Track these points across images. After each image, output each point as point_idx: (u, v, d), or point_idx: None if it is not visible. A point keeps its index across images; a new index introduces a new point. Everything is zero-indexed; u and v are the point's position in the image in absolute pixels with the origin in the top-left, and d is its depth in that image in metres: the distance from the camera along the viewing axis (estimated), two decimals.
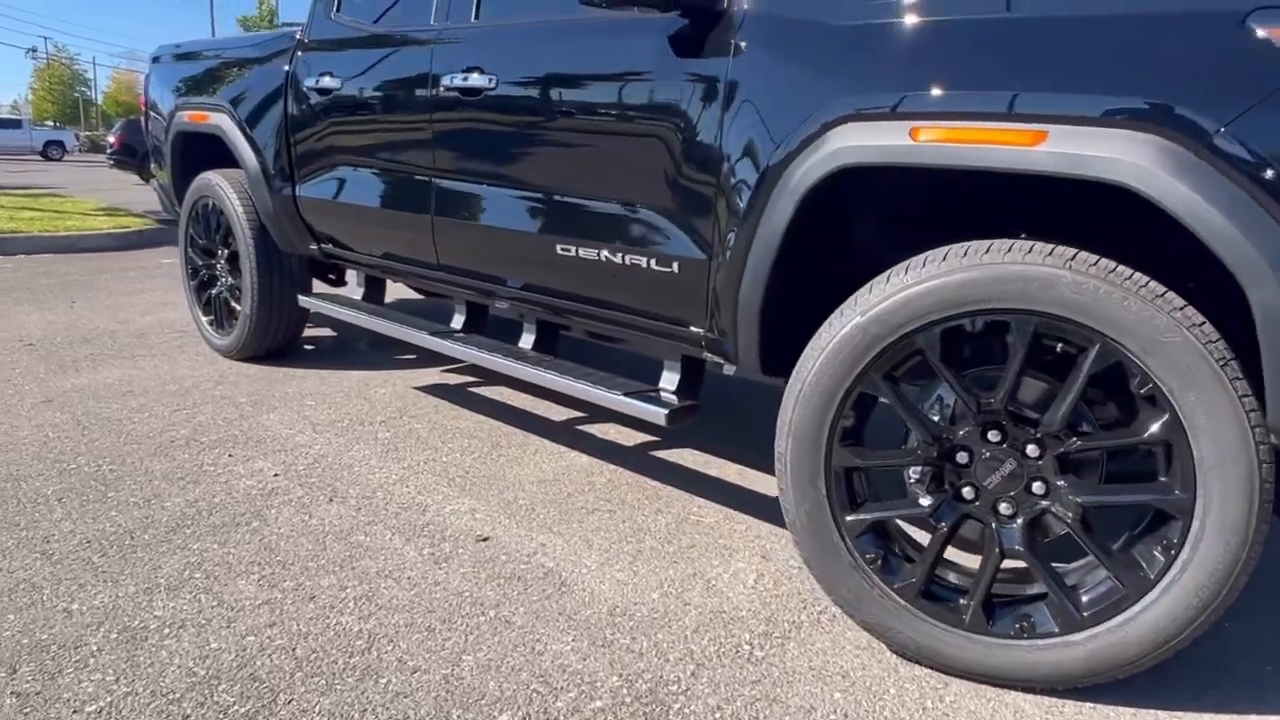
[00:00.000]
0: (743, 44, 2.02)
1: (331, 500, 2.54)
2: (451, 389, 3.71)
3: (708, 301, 2.19)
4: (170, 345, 4.28)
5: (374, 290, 3.64)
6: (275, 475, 2.70)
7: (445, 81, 2.75)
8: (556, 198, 2.51)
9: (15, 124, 38.37)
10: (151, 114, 4.52)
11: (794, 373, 1.85)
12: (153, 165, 4.74)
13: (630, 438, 3.18)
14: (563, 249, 2.49)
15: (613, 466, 2.89)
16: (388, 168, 3.09)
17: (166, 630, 1.85)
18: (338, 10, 3.39)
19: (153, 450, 2.87)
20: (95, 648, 1.78)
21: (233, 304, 3.99)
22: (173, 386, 3.60)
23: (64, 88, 69.39)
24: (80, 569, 2.09)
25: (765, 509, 2.60)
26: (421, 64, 2.88)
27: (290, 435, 3.07)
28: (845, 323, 1.75)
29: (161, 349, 4.21)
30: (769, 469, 2.90)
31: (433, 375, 3.91)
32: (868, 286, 1.77)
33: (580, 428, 3.28)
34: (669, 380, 2.49)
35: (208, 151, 4.03)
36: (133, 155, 21.49)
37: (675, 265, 2.22)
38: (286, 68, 3.48)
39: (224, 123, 3.75)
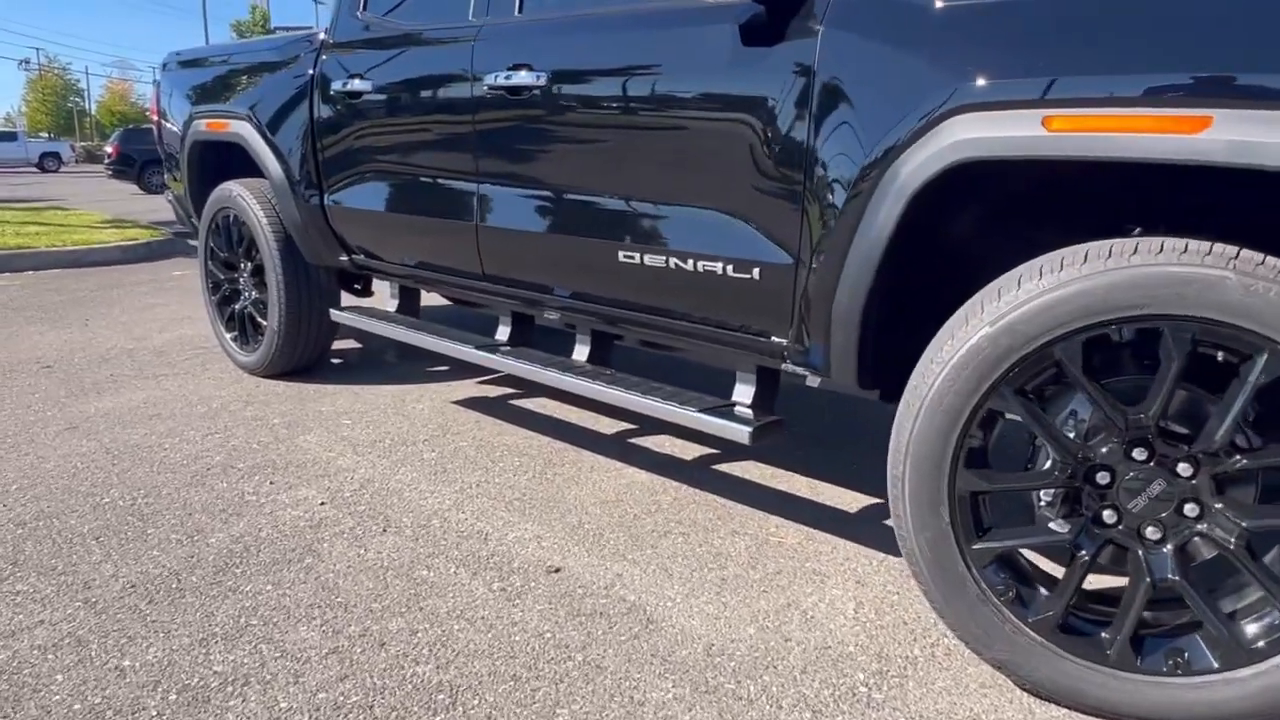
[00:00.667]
0: (830, 29, 1.85)
1: (386, 530, 2.38)
2: (492, 402, 3.55)
3: (794, 310, 2.03)
4: (192, 363, 4.12)
5: (409, 301, 3.48)
6: (322, 504, 2.55)
7: (488, 81, 2.58)
8: (616, 202, 2.34)
9: (11, 137, 38.14)
10: (164, 123, 4.36)
11: (909, 388, 1.69)
12: (166, 176, 4.58)
13: (688, 450, 3.02)
14: (625, 256, 2.33)
15: (676, 483, 2.73)
16: (426, 174, 2.93)
17: (230, 689, 1.69)
18: (364, 9, 3.22)
19: (188, 480, 2.71)
20: (155, 712, 1.62)
21: (258, 319, 3.83)
22: (200, 408, 3.44)
23: (57, 98, 69.10)
24: (128, 618, 1.93)
25: (846, 526, 2.44)
26: (460, 63, 2.71)
27: (331, 458, 2.91)
28: (972, 333, 1.58)
29: (184, 367, 4.05)
30: (841, 481, 2.76)
31: (469, 388, 3.76)
32: (994, 291, 1.60)
33: (634, 440, 3.12)
34: (743, 393, 2.33)
35: (226, 161, 3.87)
36: (130, 165, 21.50)
37: (756, 272, 2.06)
38: (311, 70, 3.31)
39: (245, 131, 3.58)
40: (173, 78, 4.26)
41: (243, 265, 3.89)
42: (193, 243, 4.81)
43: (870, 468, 2.85)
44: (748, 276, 2.08)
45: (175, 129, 4.22)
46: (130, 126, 23.21)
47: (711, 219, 2.13)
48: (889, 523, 1.79)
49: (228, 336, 4.00)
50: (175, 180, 4.41)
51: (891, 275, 1.81)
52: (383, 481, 2.72)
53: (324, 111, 3.25)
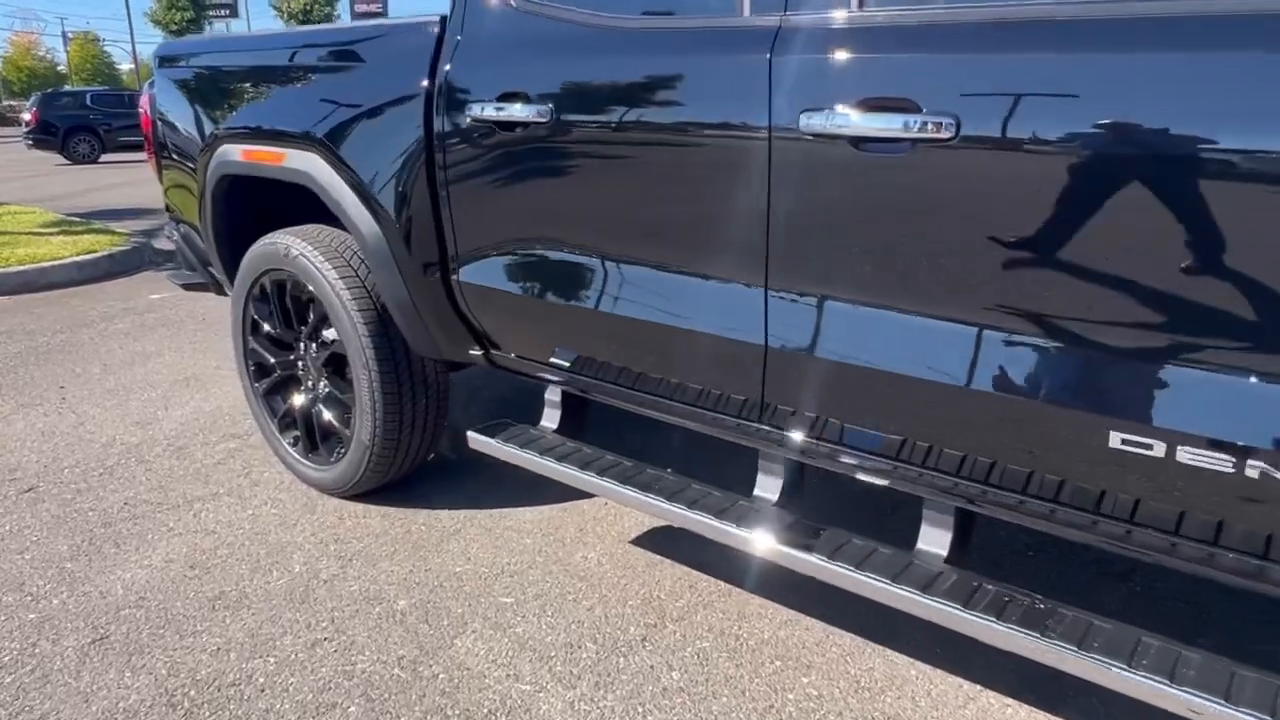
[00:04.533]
0: None
1: None
2: (674, 540, 2.53)
3: None
4: (230, 470, 3.03)
5: (573, 415, 2.42)
6: None
7: (807, 124, 1.56)
8: (1128, 357, 1.36)
9: None
10: (164, 126, 3.18)
11: None
12: (165, 193, 3.38)
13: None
14: (1126, 441, 1.36)
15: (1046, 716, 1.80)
16: (661, 260, 1.89)
17: None
18: None
19: None
20: None
21: (330, 421, 2.76)
22: (279, 576, 2.38)
23: None
24: None
25: None
26: (743, 86, 1.66)
27: (525, 695, 1.91)
28: None
29: (221, 480, 2.96)
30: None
31: (631, 513, 2.72)
32: None
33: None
34: None
35: (271, 197, 2.77)
36: (53, 133, 19.56)
37: None
38: (425, 83, 2.21)
39: (314, 166, 2.47)
40: (175, 76, 3.09)
41: (303, 347, 2.81)
42: (169, 277, 3.66)
43: None
44: None
45: (184, 141, 3.07)
46: (50, 90, 21.13)
47: None
48: None
49: (284, 442, 2.91)
50: (178, 202, 3.27)
51: None
52: None
53: (455, 146, 2.17)
